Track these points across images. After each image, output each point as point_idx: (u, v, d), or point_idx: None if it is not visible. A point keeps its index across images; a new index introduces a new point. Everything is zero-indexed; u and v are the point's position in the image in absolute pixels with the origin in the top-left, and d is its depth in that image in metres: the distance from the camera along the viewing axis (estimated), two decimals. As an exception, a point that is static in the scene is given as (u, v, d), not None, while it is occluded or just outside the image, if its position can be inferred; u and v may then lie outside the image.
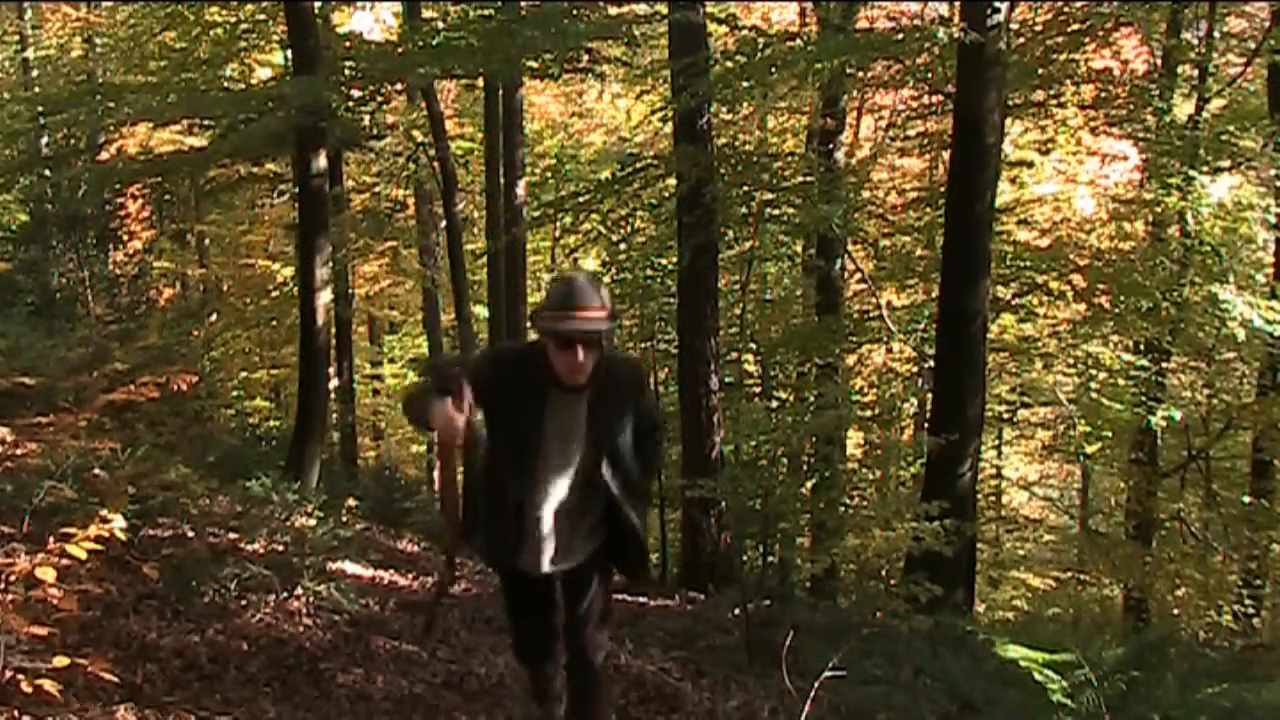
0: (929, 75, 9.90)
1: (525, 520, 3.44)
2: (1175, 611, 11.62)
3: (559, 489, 3.43)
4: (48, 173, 13.00)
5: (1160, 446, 12.09)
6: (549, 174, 16.43)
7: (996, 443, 16.08)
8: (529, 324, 3.14)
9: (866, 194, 12.33)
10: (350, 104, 11.56)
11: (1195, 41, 11.27)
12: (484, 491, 3.54)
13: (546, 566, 3.51)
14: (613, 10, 10.71)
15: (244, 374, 17.67)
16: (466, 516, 3.64)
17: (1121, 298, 10.29)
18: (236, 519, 6.77)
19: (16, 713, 3.67)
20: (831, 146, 12.11)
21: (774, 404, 11.74)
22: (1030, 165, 11.38)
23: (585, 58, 11.11)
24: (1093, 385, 10.94)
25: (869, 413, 12.40)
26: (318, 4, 11.65)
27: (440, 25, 11.83)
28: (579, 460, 3.41)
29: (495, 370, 3.42)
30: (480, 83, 13.15)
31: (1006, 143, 9.82)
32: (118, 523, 3.75)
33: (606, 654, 3.93)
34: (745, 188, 10.33)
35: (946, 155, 10.13)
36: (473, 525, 3.59)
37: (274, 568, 5.89)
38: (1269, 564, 11.37)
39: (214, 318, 16.78)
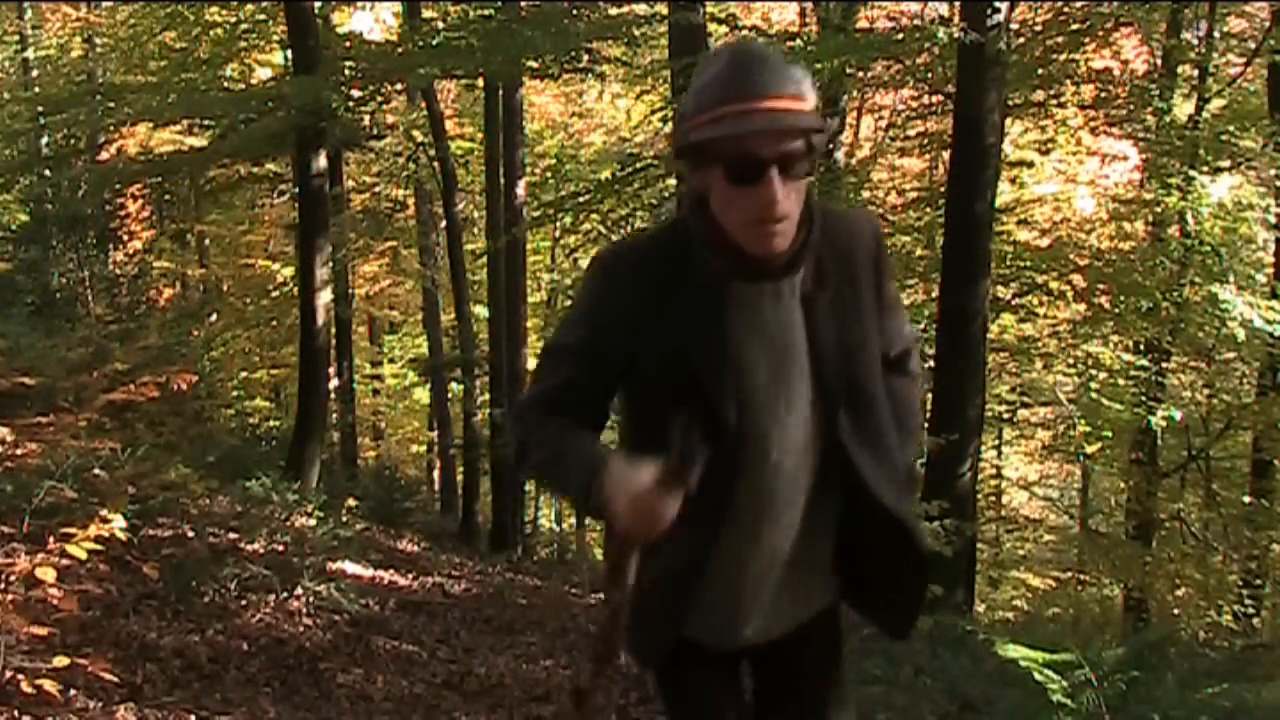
0: (929, 75, 9.89)
1: (713, 546, 1.85)
2: (1175, 611, 11.61)
3: (771, 476, 1.84)
4: (48, 173, 13.01)
5: (1160, 446, 12.08)
6: (549, 174, 16.42)
7: (996, 443, 16.07)
8: (679, 154, 1.82)
9: (866, 194, 12.32)
10: (350, 104, 11.56)
11: (1195, 41, 11.25)
12: None
13: (748, 633, 1.96)
14: (613, 10, 10.72)
15: (244, 374, 17.66)
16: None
17: (1121, 298, 10.28)
18: (236, 519, 6.78)
19: (16, 713, 3.67)
20: (831, 146, 12.11)
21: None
22: (1030, 165, 11.37)
23: (585, 58, 11.12)
24: (1093, 385, 10.94)
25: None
26: (318, 4, 11.66)
27: (440, 25, 11.85)
28: (801, 412, 1.83)
29: (625, 278, 1.83)
30: (480, 83, 13.15)
31: (1006, 143, 9.81)
32: (118, 523, 3.75)
33: None
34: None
35: (946, 155, 10.13)
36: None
37: (274, 568, 5.90)
38: (1269, 564, 11.35)
39: (214, 318, 16.77)
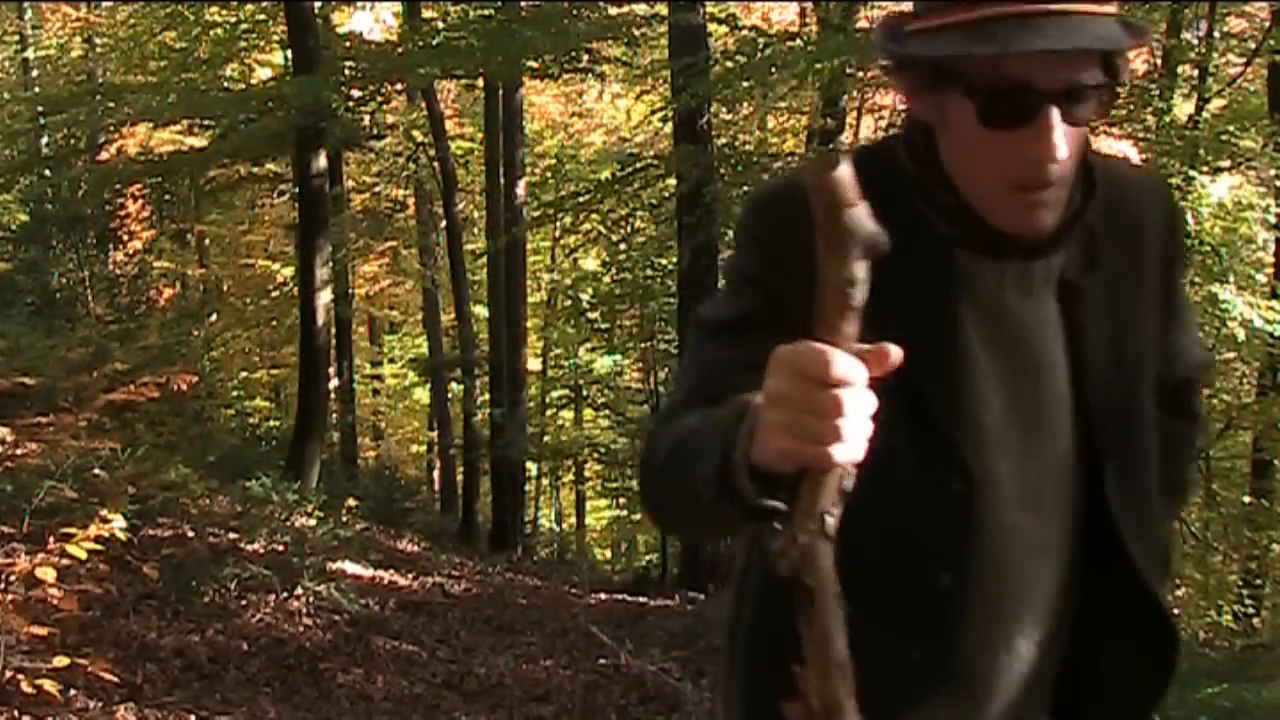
0: (929, 75, 9.89)
1: (942, 658, 1.18)
2: (1175, 611, 11.62)
3: (1012, 550, 1.19)
4: (48, 173, 13.01)
5: (1160, 446, 12.09)
6: (549, 174, 16.42)
7: (996, 443, 16.08)
8: (899, 67, 1.15)
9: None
10: (350, 104, 11.57)
11: (1195, 41, 11.25)
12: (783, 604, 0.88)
13: None
14: (613, 10, 10.73)
15: (244, 374, 17.67)
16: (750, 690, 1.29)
17: (1121, 298, 10.29)
18: (236, 519, 6.79)
19: (16, 713, 3.67)
20: (831, 147, 12.11)
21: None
22: (1030, 165, 11.38)
23: (585, 58, 11.13)
24: (1093, 385, 10.95)
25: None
26: (318, 4, 11.66)
27: (440, 25, 11.85)
28: (1053, 456, 1.20)
29: (793, 225, 0.91)
30: (480, 83, 13.16)
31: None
32: (118, 523, 3.75)
33: None
34: (745, 188, 10.33)
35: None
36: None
37: (274, 568, 5.91)
38: (1269, 564, 11.36)
39: (214, 318, 16.77)
